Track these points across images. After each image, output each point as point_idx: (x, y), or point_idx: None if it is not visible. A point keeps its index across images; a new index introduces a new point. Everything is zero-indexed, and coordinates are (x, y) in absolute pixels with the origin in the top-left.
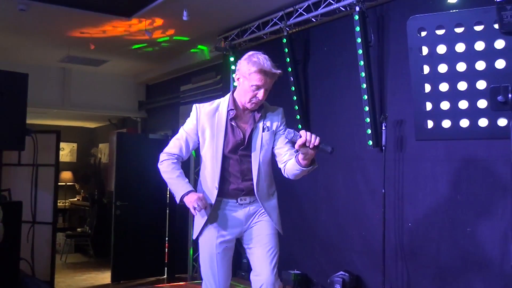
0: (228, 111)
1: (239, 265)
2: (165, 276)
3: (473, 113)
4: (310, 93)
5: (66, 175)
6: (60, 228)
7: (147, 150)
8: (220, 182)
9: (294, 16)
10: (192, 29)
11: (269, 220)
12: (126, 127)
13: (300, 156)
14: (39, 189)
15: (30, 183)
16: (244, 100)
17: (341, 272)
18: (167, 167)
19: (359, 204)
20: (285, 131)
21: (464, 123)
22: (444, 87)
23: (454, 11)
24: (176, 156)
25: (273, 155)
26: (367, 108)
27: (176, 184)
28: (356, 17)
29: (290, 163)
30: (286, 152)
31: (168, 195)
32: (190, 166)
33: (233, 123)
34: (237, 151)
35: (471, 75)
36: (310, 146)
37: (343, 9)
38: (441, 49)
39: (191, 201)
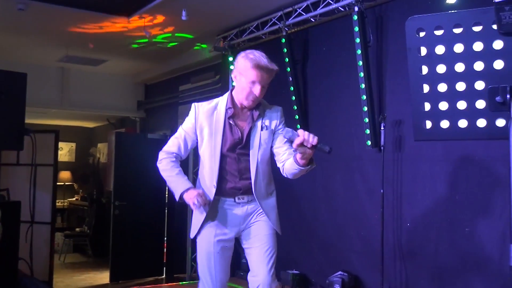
0: (226, 110)
1: (238, 265)
2: (164, 276)
3: (472, 114)
4: (309, 93)
5: (65, 174)
6: (58, 228)
7: (145, 150)
8: (218, 181)
9: (293, 16)
10: (191, 29)
11: (267, 220)
12: (125, 126)
13: (298, 156)
14: (37, 189)
15: (29, 183)
16: (241, 98)
17: (340, 272)
18: (166, 165)
19: (357, 204)
20: (283, 130)
21: (463, 123)
22: (442, 87)
23: (452, 11)
24: (175, 154)
25: (272, 154)
26: (365, 108)
27: (175, 181)
28: (355, 17)
29: (288, 163)
30: (285, 151)
31: (167, 195)
32: (188, 166)
33: (231, 122)
34: (235, 150)
35: (470, 76)
36: (308, 146)
37: (342, 9)
38: (440, 49)
39: (190, 198)
